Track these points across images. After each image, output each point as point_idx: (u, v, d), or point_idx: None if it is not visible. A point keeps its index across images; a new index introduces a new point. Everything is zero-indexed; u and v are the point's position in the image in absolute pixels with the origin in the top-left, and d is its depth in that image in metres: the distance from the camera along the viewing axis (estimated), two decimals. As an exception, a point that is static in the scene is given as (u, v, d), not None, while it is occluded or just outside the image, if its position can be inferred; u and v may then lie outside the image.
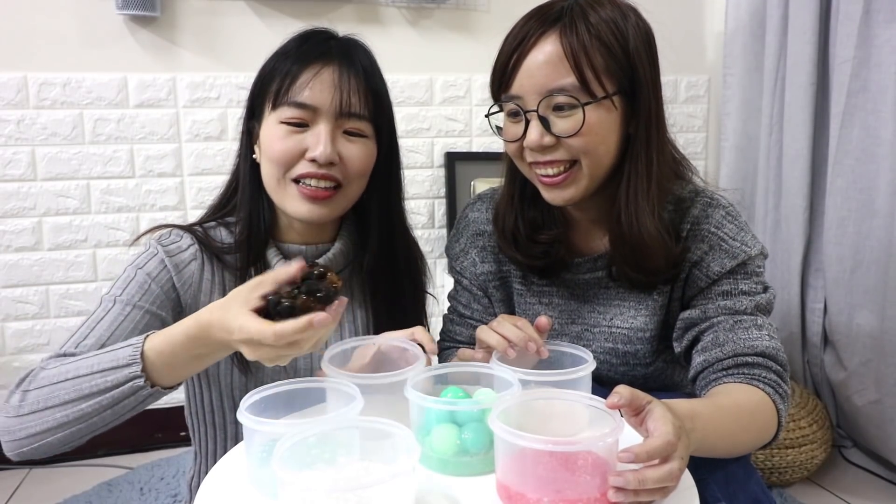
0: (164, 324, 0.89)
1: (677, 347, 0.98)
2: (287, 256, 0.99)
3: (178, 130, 1.99)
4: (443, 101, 2.19)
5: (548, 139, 0.87)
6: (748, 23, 2.17)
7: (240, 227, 0.98)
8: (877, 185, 1.76)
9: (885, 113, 1.73)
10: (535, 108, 0.87)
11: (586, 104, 0.86)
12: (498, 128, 0.96)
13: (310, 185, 0.92)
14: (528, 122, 0.89)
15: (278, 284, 0.69)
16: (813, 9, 1.88)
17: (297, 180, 0.93)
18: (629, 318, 1.00)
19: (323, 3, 2.03)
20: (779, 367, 0.88)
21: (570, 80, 0.85)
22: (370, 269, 1.02)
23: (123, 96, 1.93)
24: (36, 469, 1.94)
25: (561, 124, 0.87)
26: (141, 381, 0.74)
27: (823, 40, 1.91)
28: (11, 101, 1.86)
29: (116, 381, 0.75)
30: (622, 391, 0.67)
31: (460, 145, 2.23)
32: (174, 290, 0.94)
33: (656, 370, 1.04)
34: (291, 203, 0.93)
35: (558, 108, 0.87)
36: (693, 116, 2.44)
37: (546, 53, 0.86)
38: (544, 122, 0.87)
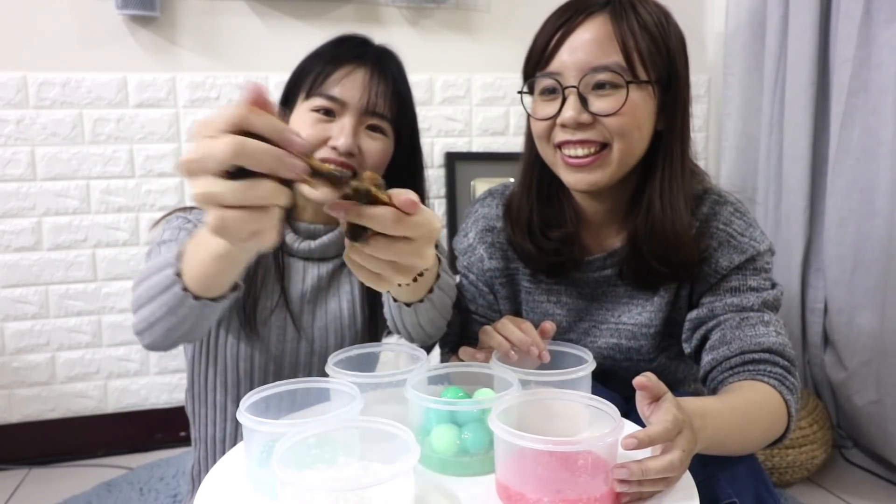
0: None
1: (687, 348, 0.98)
2: (297, 233, 1.06)
3: (177, 130, 1.99)
4: (443, 101, 2.19)
5: (585, 116, 0.88)
6: (748, 23, 2.17)
7: None
8: (877, 185, 1.76)
9: (886, 113, 1.72)
10: (575, 83, 0.88)
11: (630, 83, 0.88)
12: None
13: None
14: (564, 100, 0.89)
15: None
16: (813, 9, 1.88)
17: None
18: (635, 315, 1.01)
19: (323, 3, 2.03)
20: (786, 362, 0.88)
21: (615, 59, 0.88)
22: None
23: (123, 96, 1.93)
24: (36, 469, 1.94)
25: (600, 103, 0.89)
26: (179, 288, 0.74)
27: (823, 40, 1.91)
28: (11, 100, 1.86)
29: (162, 283, 0.75)
30: (651, 375, 0.69)
31: (460, 145, 2.22)
32: None
33: (659, 366, 1.04)
34: None
35: (599, 87, 0.89)
36: (693, 116, 2.43)
37: (593, 32, 0.89)
38: (582, 100, 0.89)
